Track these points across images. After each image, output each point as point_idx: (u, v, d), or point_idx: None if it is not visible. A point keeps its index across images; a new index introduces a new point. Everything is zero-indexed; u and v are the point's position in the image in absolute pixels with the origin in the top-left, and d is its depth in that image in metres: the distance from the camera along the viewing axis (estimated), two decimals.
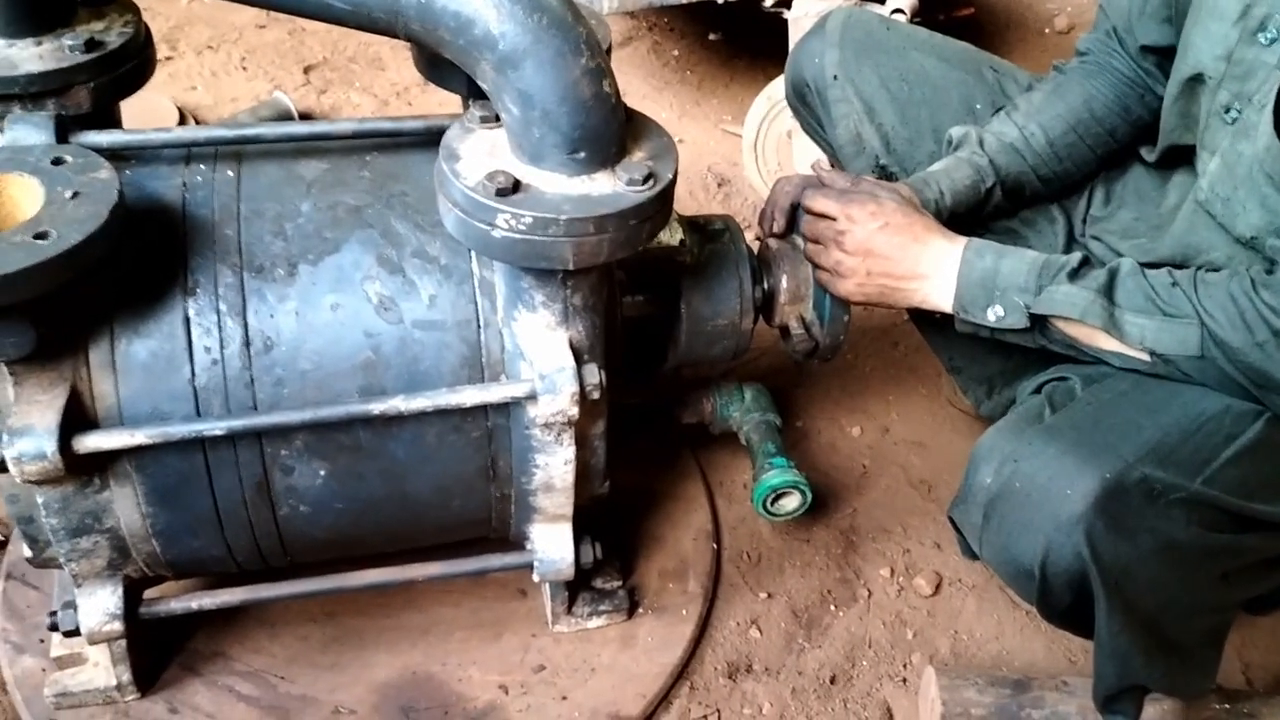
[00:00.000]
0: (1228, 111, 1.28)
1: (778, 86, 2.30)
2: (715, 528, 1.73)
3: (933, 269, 1.35)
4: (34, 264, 0.99)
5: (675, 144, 1.20)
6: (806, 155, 2.24)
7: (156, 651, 1.44)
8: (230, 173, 1.26)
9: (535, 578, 1.42)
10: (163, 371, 1.16)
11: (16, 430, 1.09)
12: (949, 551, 1.73)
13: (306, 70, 2.86)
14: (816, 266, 1.45)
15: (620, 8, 2.32)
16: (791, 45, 2.30)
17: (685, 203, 2.58)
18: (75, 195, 1.08)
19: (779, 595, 1.66)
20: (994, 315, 1.31)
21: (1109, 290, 1.25)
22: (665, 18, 3.18)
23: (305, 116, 2.64)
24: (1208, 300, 1.21)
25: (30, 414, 1.10)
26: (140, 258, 1.17)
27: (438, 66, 1.39)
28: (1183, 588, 1.18)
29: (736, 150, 2.62)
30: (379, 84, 2.84)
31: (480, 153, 1.15)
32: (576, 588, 1.53)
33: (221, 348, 1.18)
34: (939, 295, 1.35)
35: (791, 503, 1.58)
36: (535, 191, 1.11)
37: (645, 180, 1.12)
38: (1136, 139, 1.58)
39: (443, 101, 2.80)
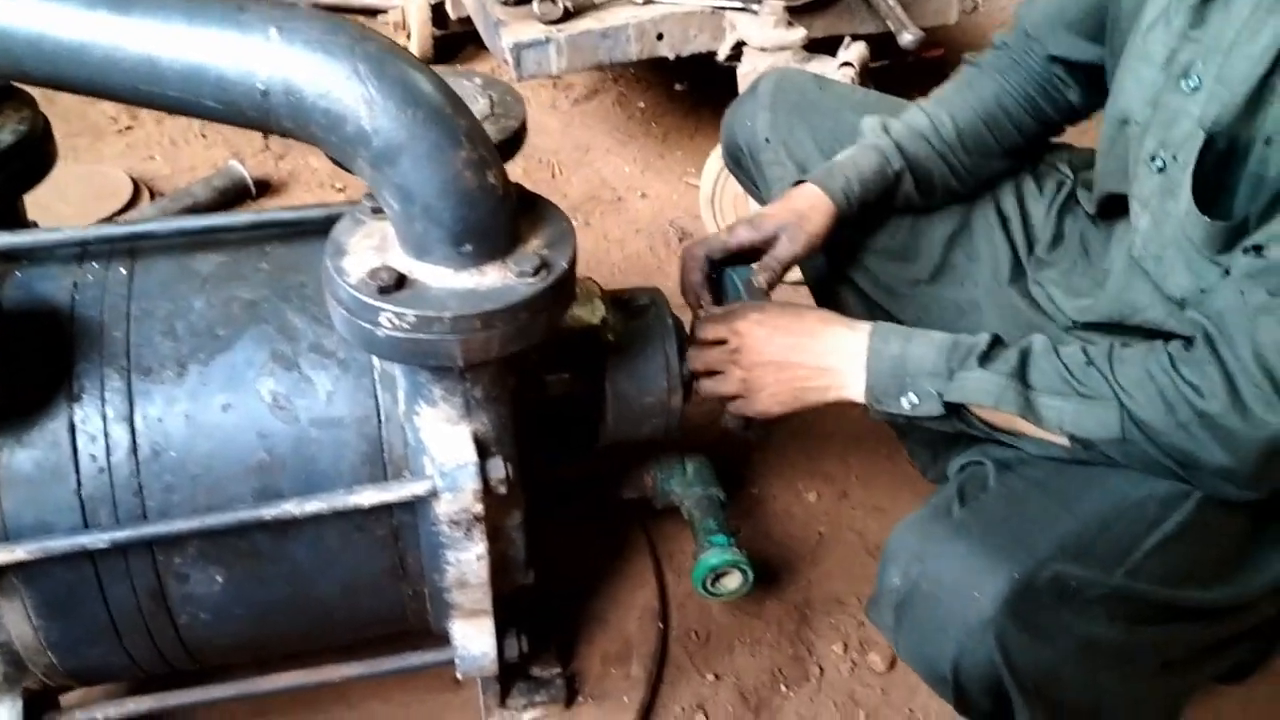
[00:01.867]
0: (1153, 160, 1.23)
1: None
2: (662, 605, 1.67)
3: (840, 361, 1.29)
4: None
5: (573, 229, 1.16)
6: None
7: None
8: (123, 270, 1.22)
9: (458, 675, 1.37)
10: (47, 482, 1.12)
11: None
12: None
13: (266, 136, 2.84)
14: (724, 399, 1.39)
15: (569, 68, 2.30)
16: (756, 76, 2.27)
17: (646, 258, 2.54)
18: None
19: (727, 676, 1.60)
20: (908, 404, 1.24)
21: (1022, 373, 1.19)
22: (631, 69, 3.16)
23: (262, 184, 2.62)
24: (1125, 379, 1.14)
25: None
26: (23, 364, 1.13)
27: None
28: (1119, 683, 1.11)
29: (699, 203, 2.59)
30: None
31: (368, 247, 1.11)
32: (511, 677, 1.47)
33: (108, 455, 1.13)
34: (853, 387, 1.29)
35: (733, 582, 1.52)
36: (420, 287, 1.06)
37: (537, 271, 1.08)
38: (1048, 133, 1.58)
39: None
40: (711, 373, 1.39)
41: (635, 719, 1.51)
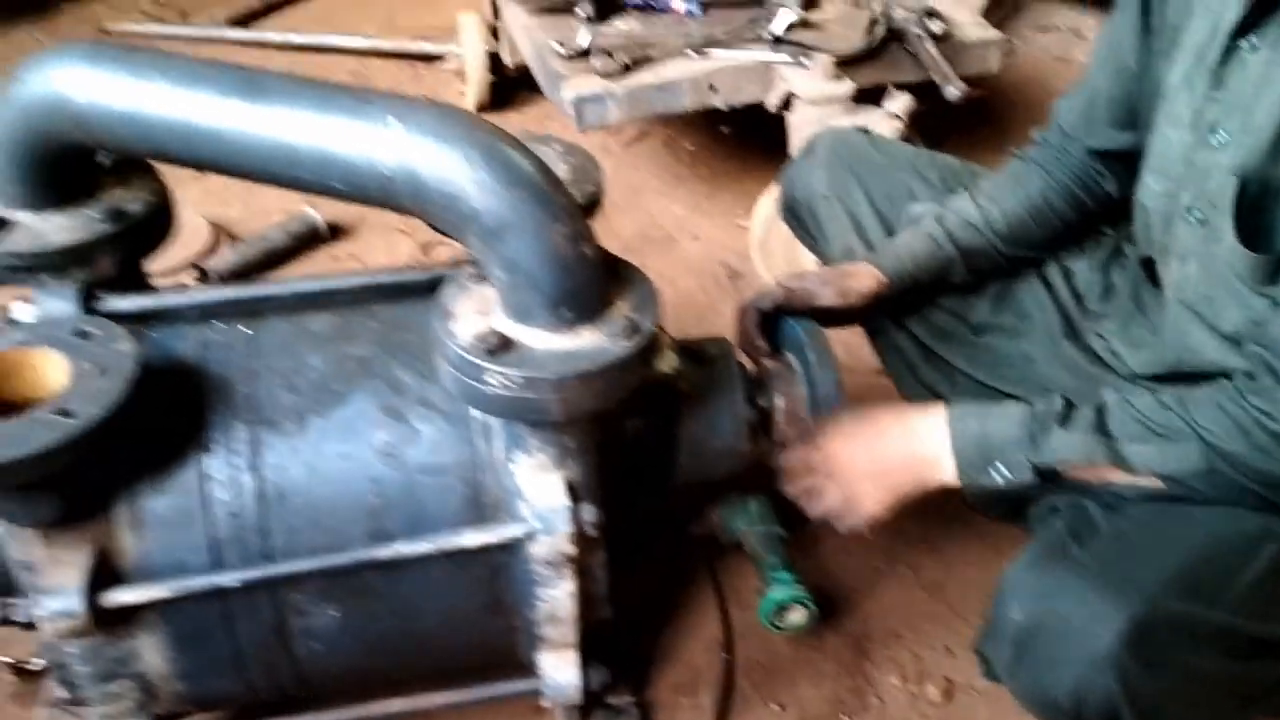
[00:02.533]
0: (1189, 212, 1.34)
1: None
2: (727, 637, 1.76)
3: (927, 451, 1.38)
4: (59, 442, 1.07)
5: (656, 290, 1.26)
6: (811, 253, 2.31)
7: None
8: (246, 330, 1.34)
9: (544, 703, 1.46)
10: (183, 526, 1.24)
11: (47, 590, 1.17)
12: (960, 656, 1.75)
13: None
14: (829, 519, 1.49)
15: (628, 118, 2.41)
16: (791, 147, 2.38)
17: (698, 297, 2.64)
18: (97, 369, 1.16)
19: (791, 706, 1.68)
20: (999, 477, 1.33)
21: (1102, 427, 1.29)
22: (678, 114, 3.27)
23: (334, 227, 2.75)
24: (1200, 415, 1.24)
25: (59, 574, 1.18)
26: (161, 417, 1.24)
27: None
28: (1213, 714, 1.20)
29: (748, 244, 2.69)
30: None
31: (473, 310, 1.22)
32: (589, 706, 1.56)
33: (237, 501, 1.24)
34: (945, 472, 1.37)
35: (797, 617, 1.61)
36: (524, 349, 1.17)
37: (628, 332, 1.18)
38: (1089, 225, 1.67)
39: None
40: (808, 502, 1.51)
41: None
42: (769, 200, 2.47)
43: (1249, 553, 1.24)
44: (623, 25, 2.61)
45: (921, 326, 1.75)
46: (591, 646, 1.48)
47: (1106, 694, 1.16)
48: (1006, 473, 1.33)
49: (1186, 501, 1.28)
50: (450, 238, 1.24)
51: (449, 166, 1.11)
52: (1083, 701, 1.18)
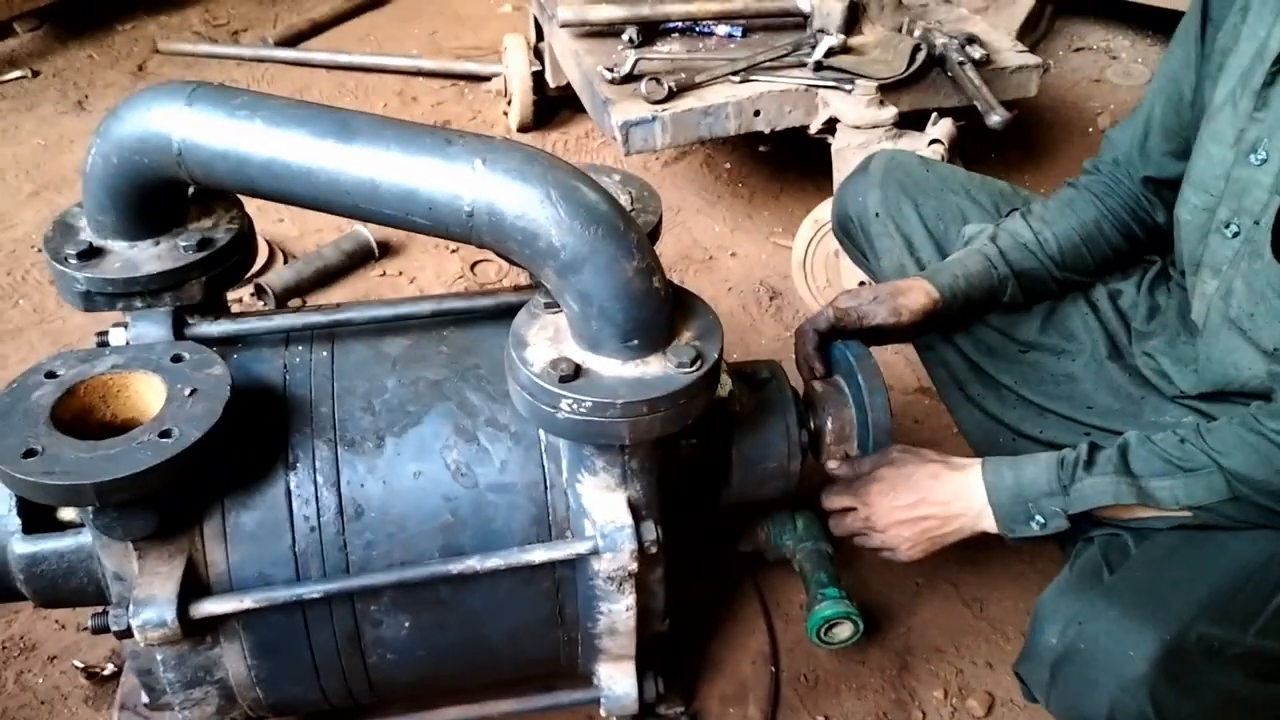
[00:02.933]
0: (1227, 227, 1.39)
1: (824, 209, 2.43)
2: (773, 650, 1.82)
3: (963, 504, 1.47)
4: (159, 462, 1.14)
5: (719, 321, 1.32)
6: (853, 272, 2.36)
7: None
8: (325, 353, 1.41)
9: (602, 713, 1.52)
10: (267, 539, 1.30)
11: (141, 601, 1.24)
12: (1000, 671, 1.79)
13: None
14: (869, 549, 1.58)
15: (673, 143, 2.47)
16: (835, 172, 2.43)
17: (739, 316, 2.70)
18: (193, 392, 1.23)
19: (836, 718, 1.74)
20: (1037, 526, 1.41)
21: (1126, 467, 1.35)
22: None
23: (384, 245, 2.83)
24: (1219, 444, 1.30)
25: (152, 585, 1.25)
26: (247, 436, 1.31)
27: None
28: None
29: (788, 262, 2.74)
30: None
31: (544, 339, 1.28)
32: (642, 715, 1.62)
33: (319, 516, 1.31)
34: (984, 522, 1.46)
35: (844, 632, 1.66)
36: (594, 376, 1.23)
37: (694, 362, 1.24)
38: (1137, 254, 1.72)
39: None
40: (849, 537, 1.60)
41: None
42: (809, 225, 2.53)
43: (1277, 576, 1.29)
44: (666, 49, 2.68)
45: (969, 343, 1.80)
46: (646, 657, 1.54)
47: (1139, 716, 1.21)
48: (1043, 521, 1.41)
49: (1215, 529, 1.34)
50: (526, 271, 1.31)
51: (529, 205, 1.18)
52: None
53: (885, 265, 1.84)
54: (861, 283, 2.27)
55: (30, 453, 1.15)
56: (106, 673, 1.79)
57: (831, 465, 1.59)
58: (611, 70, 2.54)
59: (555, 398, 1.22)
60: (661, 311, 1.25)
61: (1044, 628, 1.32)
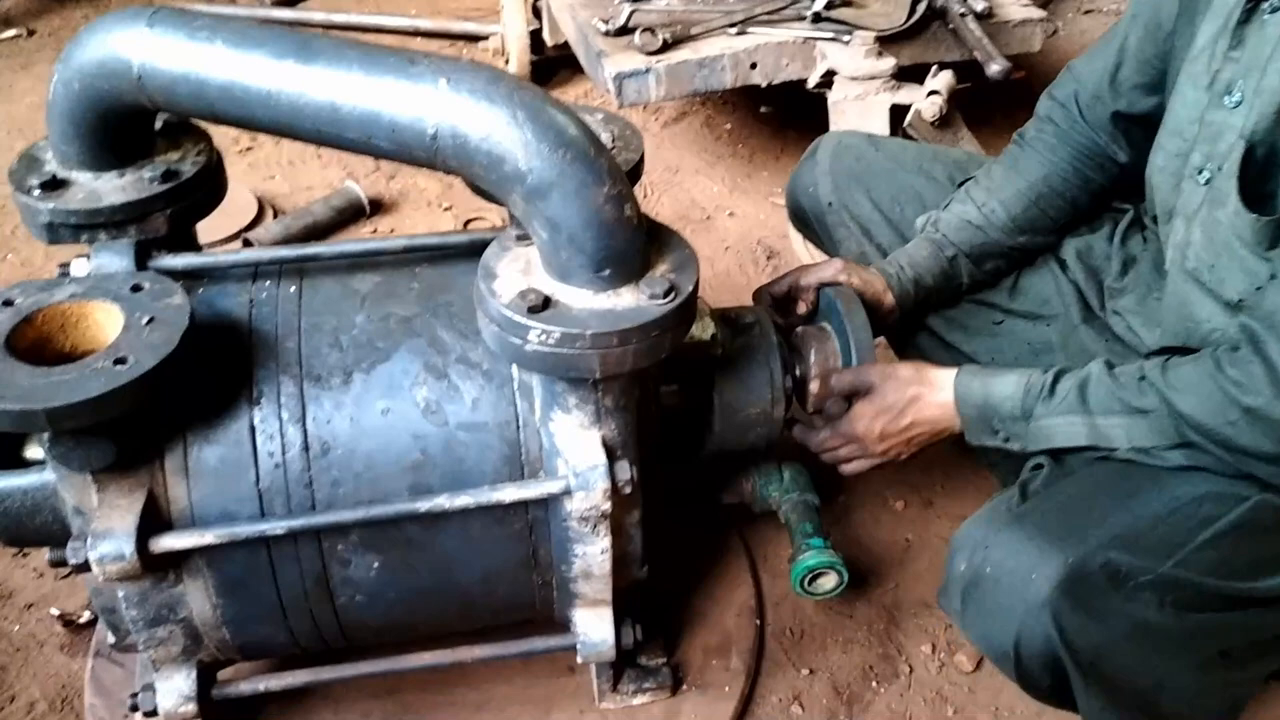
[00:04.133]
0: (1200, 173, 1.34)
1: None
2: (759, 604, 1.78)
3: (945, 420, 1.49)
4: (112, 389, 1.11)
5: (695, 255, 1.28)
6: None
7: None
8: (292, 289, 1.37)
9: (578, 660, 1.49)
10: (231, 475, 1.27)
11: (99, 533, 1.21)
12: None
13: (378, 159, 3.01)
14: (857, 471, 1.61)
15: (667, 95, 2.42)
16: (832, 125, 2.38)
17: (735, 276, 2.66)
18: (150, 321, 1.19)
19: (821, 671, 1.70)
20: (1001, 439, 1.43)
21: (1083, 402, 1.34)
22: (718, 93, 3.28)
23: (375, 203, 2.79)
24: (1178, 382, 1.28)
25: (111, 518, 1.22)
26: (210, 370, 1.28)
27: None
28: (1172, 667, 1.22)
29: (786, 222, 2.70)
30: None
31: (515, 270, 1.24)
32: (622, 665, 1.59)
33: (283, 452, 1.28)
34: (958, 427, 1.49)
35: (829, 582, 1.62)
36: (564, 308, 1.19)
37: (667, 294, 1.20)
38: (1101, 200, 1.67)
39: None
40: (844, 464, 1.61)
41: (736, 707, 1.62)
42: None
43: (1211, 513, 1.26)
44: (662, 2, 2.62)
45: (940, 321, 1.76)
46: (626, 607, 1.51)
47: (1045, 641, 1.19)
48: (1004, 439, 1.43)
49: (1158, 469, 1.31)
50: (491, 199, 1.27)
51: (495, 126, 1.13)
52: (1024, 648, 1.22)
53: (844, 252, 1.81)
54: None
55: None
56: (83, 620, 1.77)
57: (813, 387, 1.58)
58: (606, 23, 2.49)
59: (523, 329, 1.18)
60: (634, 241, 1.21)
61: (954, 555, 1.32)
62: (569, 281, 1.21)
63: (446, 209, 2.83)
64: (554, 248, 1.19)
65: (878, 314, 1.62)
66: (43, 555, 1.84)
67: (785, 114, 3.14)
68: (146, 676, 1.52)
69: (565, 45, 2.97)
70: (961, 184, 1.71)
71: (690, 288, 1.23)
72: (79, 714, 1.64)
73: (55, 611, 1.79)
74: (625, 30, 2.47)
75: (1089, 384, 1.35)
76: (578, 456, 1.30)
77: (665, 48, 2.40)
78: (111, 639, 1.39)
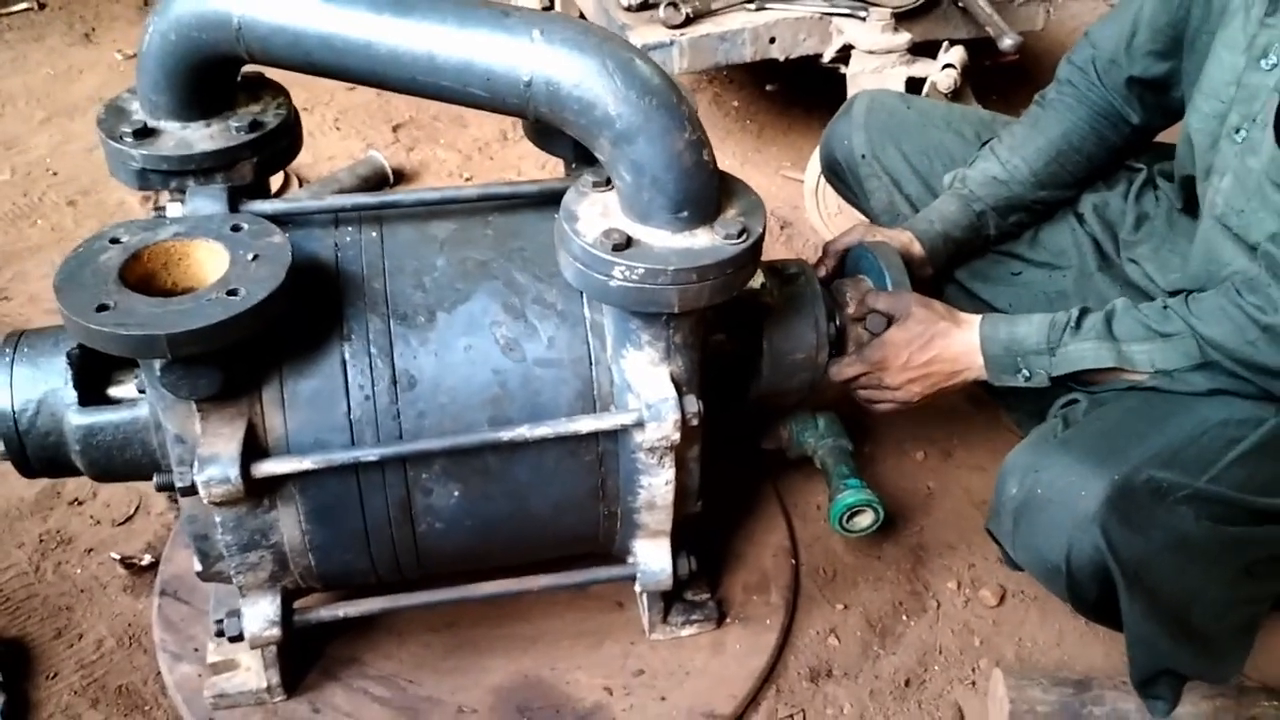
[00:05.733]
0: (1237, 132, 1.44)
1: None
2: (793, 545, 1.88)
3: (965, 355, 1.57)
4: (229, 317, 1.18)
5: (762, 201, 1.37)
6: None
7: (299, 658, 1.62)
8: (374, 234, 1.45)
9: (637, 588, 1.58)
10: (324, 406, 1.35)
11: (205, 458, 1.28)
12: None
13: (395, 129, 3.08)
14: (884, 412, 1.69)
15: (690, 68, 2.51)
16: (849, 96, 2.47)
17: None
18: (255, 258, 1.27)
19: (854, 607, 1.80)
20: (1023, 379, 1.52)
21: (1109, 331, 1.44)
22: (724, 71, 3.37)
23: (397, 173, 2.85)
24: (1199, 311, 1.39)
25: (216, 444, 1.29)
26: (302, 308, 1.35)
27: (546, 136, 1.57)
28: (1204, 579, 1.33)
29: (797, 194, 2.80)
30: (462, 140, 3.06)
31: (595, 214, 1.33)
32: (670, 599, 1.68)
33: (373, 385, 1.36)
34: (978, 370, 1.57)
35: (865, 520, 1.72)
36: (645, 246, 1.28)
37: (739, 234, 1.29)
38: (1116, 158, 1.77)
39: (522, 155, 3.01)
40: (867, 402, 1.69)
41: (778, 638, 1.72)
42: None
43: (1237, 434, 1.37)
44: None
45: (965, 271, 1.86)
46: (678, 539, 1.59)
47: (1094, 552, 1.30)
48: (1028, 375, 1.52)
49: (1183, 395, 1.42)
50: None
51: (587, 75, 1.22)
52: (1074, 560, 1.32)
53: (875, 205, 1.91)
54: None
55: (103, 307, 1.19)
56: (144, 563, 1.83)
57: (850, 310, 1.66)
58: None
59: (608, 265, 1.26)
60: (710, 185, 1.29)
61: (1005, 481, 1.42)
62: (648, 223, 1.29)
63: (467, 179, 2.90)
64: (637, 189, 1.27)
65: (910, 268, 1.72)
66: (100, 503, 1.93)
67: (791, 92, 3.23)
68: (222, 607, 1.60)
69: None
70: (985, 143, 1.81)
71: (760, 230, 1.32)
72: (147, 649, 1.71)
73: (116, 555, 1.85)
74: (646, 5, 2.54)
75: (1114, 315, 1.46)
76: (649, 390, 1.38)
77: (687, 22, 2.48)
78: (198, 566, 1.46)
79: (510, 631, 1.70)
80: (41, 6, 3.68)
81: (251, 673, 1.57)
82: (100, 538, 1.90)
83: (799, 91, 3.20)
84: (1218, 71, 1.48)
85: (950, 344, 1.57)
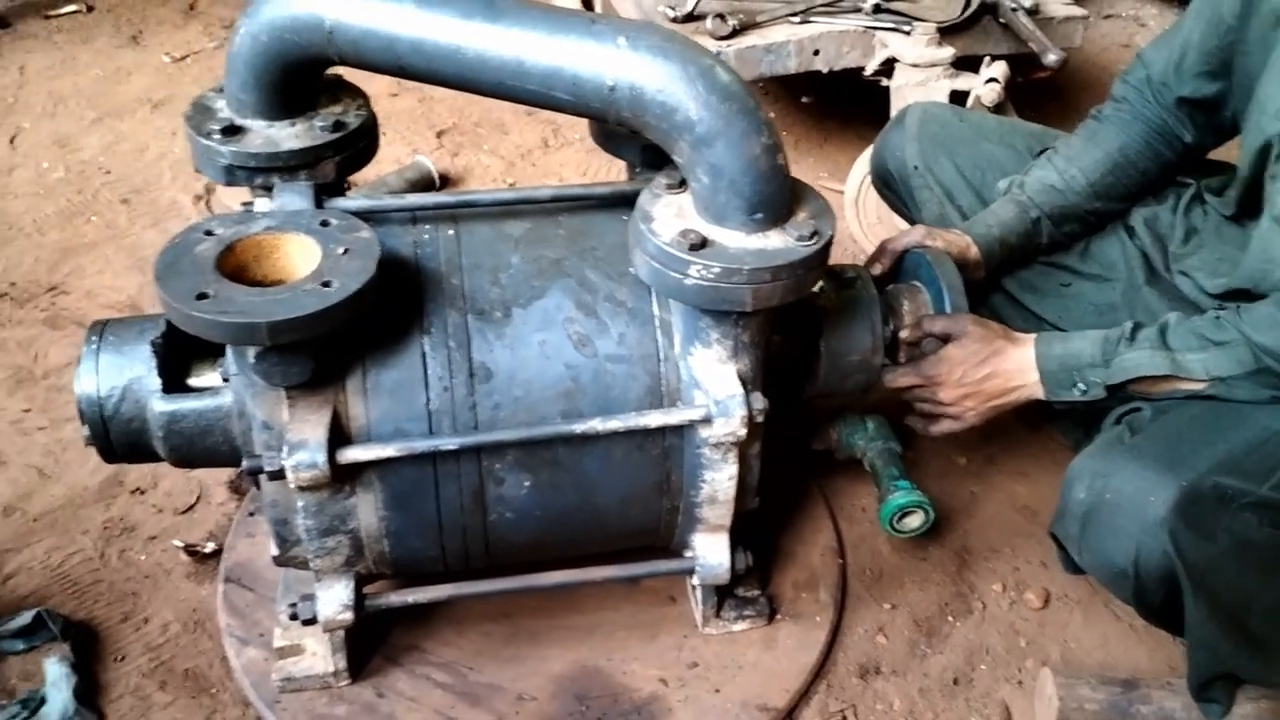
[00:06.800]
0: None
1: None
2: (839, 545, 1.92)
3: (1021, 374, 1.61)
4: (326, 307, 1.23)
5: (830, 206, 1.41)
6: None
7: (363, 644, 1.66)
8: (450, 232, 1.50)
9: (695, 581, 1.62)
10: (405, 396, 1.39)
11: (294, 444, 1.33)
12: (1055, 570, 1.89)
13: (439, 135, 3.14)
14: (941, 433, 1.72)
15: None
16: (893, 109, 2.52)
17: None
18: (346, 251, 1.32)
19: (901, 606, 1.84)
20: (1079, 392, 1.56)
21: (1164, 342, 1.48)
22: (760, 84, 3.42)
23: (442, 177, 2.91)
24: (1251, 320, 1.44)
25: (303, 431, 1.34)
26: (384, 301, 1.40)
27: (613, 140, 1.63)
28: (1265, 585, 1.36)
29: (835, 205, 2.82)
30: (504, 146, 3.11)
31: (669, 214, 1.37)
32: (723, 594, 1.72)
33: (451, 377, 1.40)
34: (1034, 389, 1.61)
35: (915, 520, 1.76)
36: (720, 246, 1.33)
37: (811, 236, 1.34)
38: (1168, 174, 1.82)
39: (563, 162, 3.06)
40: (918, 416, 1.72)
41: (828, 635, 1.76)
42: (863, 162, 2.62)
43: None
44: None
45: (1014, 282, 1.91)
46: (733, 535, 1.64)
47: (1162, 556, 1.34)
48: (1084, 388, 1.56)
49: (1238, 403, 1.46)
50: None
51: (670, 80, 1.27)
52: (1142, 564, 1.36)
53: (926, 216, 1.95)
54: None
55: (202, 295, 1.24)
56: (207, 550, 1.88)
57: (904, 334, 1.70)
58: (673, 9, 2.62)
59: (685, 264, 1.31)
60: (784, 188, 1.34)
61: (1073, 485, 1.45)
62: (723, 224, 1.34)
63: (510, 184, 2.95)
64: (713, 191, 1.32)
65: (964, 270, 1.76)
66: (161, 492, 1.98)
67: (826, 104, 3.29)
68: (290, 595, 1.65)
69: None
70: (1040, 153, 1.85)
71: (830, 233, 1.36)
72: (211, 634, 1.76)
73: (179, 543, 1.90)
74: (691, 17, 2.60)
75: (1168, 328, 1.51)
76: (717, 387, 1.43)
77: (734, 33, 2.53)
78: (275, 550, 1.50)
79: (565, 622, 1.75)
80: (90, 9, 3.75)
81: (318, 657, 1.61)
82: (162, 526, 1.95)
83: (834, 103, 3.25)
84: (1277, 90, 1.51)
85: (1006, 361, 1.61)
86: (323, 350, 1.32)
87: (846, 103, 3.16)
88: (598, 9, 3.31)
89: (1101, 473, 1.40)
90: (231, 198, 2.70)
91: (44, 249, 2.63)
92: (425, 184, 2.84)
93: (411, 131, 3.14)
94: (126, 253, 2.61)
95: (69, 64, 3.45)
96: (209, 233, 1.35)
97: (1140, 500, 1.34)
